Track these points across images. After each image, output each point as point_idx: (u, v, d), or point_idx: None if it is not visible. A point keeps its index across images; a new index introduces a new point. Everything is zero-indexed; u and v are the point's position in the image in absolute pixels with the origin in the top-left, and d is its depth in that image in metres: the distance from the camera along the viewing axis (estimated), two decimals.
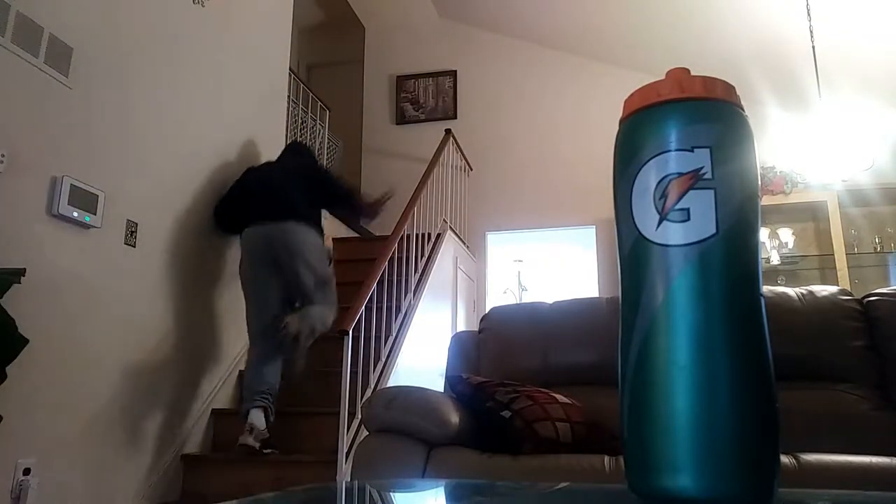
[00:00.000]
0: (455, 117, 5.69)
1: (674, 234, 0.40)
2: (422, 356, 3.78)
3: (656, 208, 0.41)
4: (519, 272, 6.48)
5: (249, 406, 2.84)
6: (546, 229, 5.39)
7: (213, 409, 3.28)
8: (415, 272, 3.88)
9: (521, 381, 1.80)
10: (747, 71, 4.23)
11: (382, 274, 3.33)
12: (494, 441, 1.65)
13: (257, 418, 2.81)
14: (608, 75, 5.28)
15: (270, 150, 4.09)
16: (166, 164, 3.05)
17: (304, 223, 3.07)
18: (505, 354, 2.04)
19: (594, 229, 5.18)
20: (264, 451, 2.83)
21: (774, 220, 4.65)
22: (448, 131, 4.77)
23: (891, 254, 4.48)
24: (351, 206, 3.40)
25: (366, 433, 1.71)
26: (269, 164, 3.42)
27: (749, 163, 0.42)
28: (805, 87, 3.78)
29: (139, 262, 2.82)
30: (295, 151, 3.48)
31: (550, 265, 6.31)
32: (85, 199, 2.50)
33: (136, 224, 2.81)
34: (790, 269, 4.63)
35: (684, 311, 0.39)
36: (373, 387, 3.07)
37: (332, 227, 4.90)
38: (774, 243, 4.59)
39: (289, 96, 4.46)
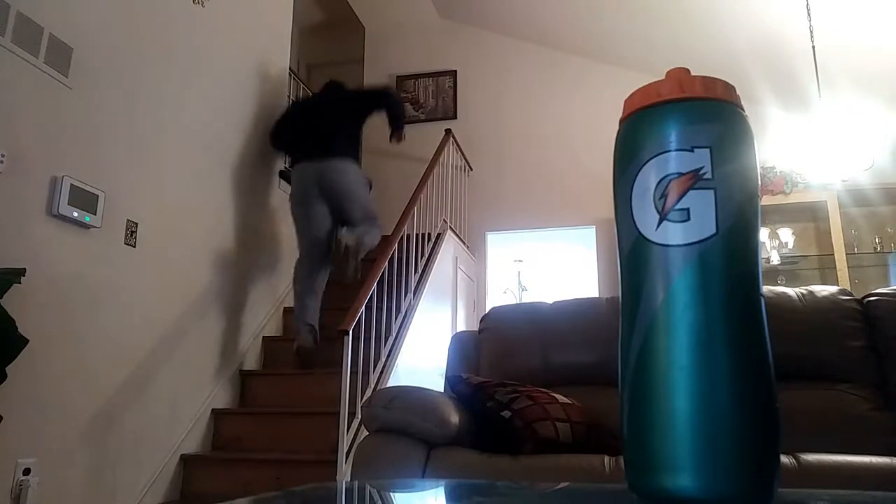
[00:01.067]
0: (455, 117, 5.69)
1: (674, 234, 0.40)
2: (422, 356, 3.78)
3: (656, 208, 0.41)
4: (519, 272, 6.48)
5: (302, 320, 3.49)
6: (546, 229, 5.39)
7: (212, 409, 3.28)
8: (415, 272, 3.88)
9: (521, 381, 1.80)
10: (747, 71, 4.23)
11: (382, 274, 3.34)
12: (494, 441, 1.64)
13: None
14: (608, 75, 5.28)
15: (271, 149, 4.10)
16: (166, 163, 3.05)
17: (346, 158, 3.61)
18: (505, 354, 2.04)
19: (594, 229, 5.17)
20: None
21: (774, 220, 4.65)
22: (448, 131, 4.77)
23: (891, 254, 4.48)
24: (388, 97, 3.89)
25: (366, 433, 1.71)
26: (310, 101, 3.94)
27: (749, 163, 0.42)
28: (805, 87, 3.78)
29: (139, 262, 2.82)
30: (332, 88, 3.91)
31: (550, 265, 6.31)
32: (85, 199, 2.50)
33: (136, 224, 2.81)
34: (790, 269, 4.63)
35: (684, 311, 0.39)
36: (373, 387, 3.07)
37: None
38: (774, 243, 4.59)
39: (289, 96, 4.46)
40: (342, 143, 3.64)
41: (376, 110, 3.86)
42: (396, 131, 3.90)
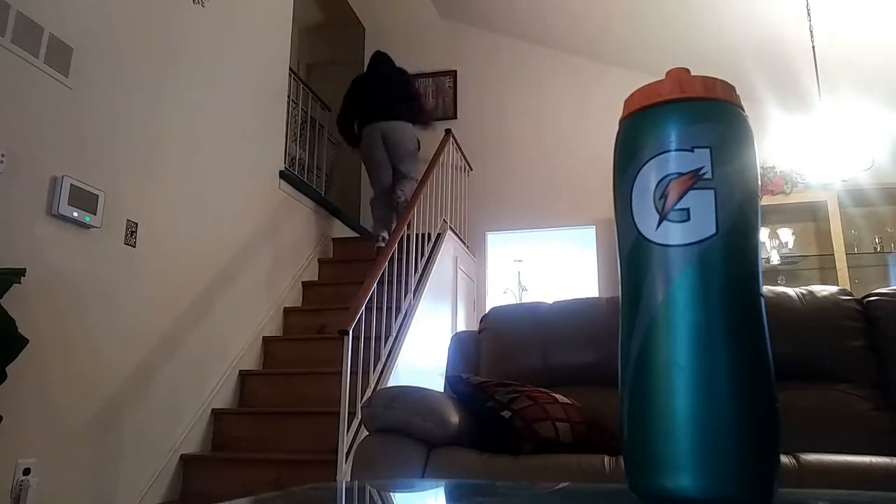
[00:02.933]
0: (455, 117, 5.68)
1: (674, 234, 0.40)
2: (422, 356, 3.78)
3: (656, 208, 0.41)
4: (519, 272, 6.47)
5: (379, 232, 4.44)
6: (546, 229, 5.38)
7: (212, 409, 3.28)
8: (415, 272, 3.88)
9: (521, 381, 1.80)
10: (747, 71, 4.22)
11: (382, 274, 3.33)
12: (494, 441, 1.64)
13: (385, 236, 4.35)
14: (608, 75, 5.27)
15: (271, 149, 4.10)
16: (166, 163, 3.05)
17: (404, 120, 4.43)
18: (505, 354, 2.04)
19: (594, 229, 5.17)
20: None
21: (774, 220, 4.64)
22: (448, 131, 4.77)
23: (891, 254, 4.48)
24: (420, 104, 4.69)
25: (366, 433, 1.71)
26: (369, 74, 4.70)
27: (749, 163, 0.42)
28: (805, 87, 3.78)
29: (139, 262, 2.82)
30: (380, 62, 4.69)
31: (550, 265, 6.31)
32: (85, 199, 2.50)
33: (136, 224, 2.81)
34: (790, 269, 4.63)
35: (684, 311, 0.39)
36: (373, 387, 3.07)
37: (337, 227, 4.91)
38: (774, 243, 4.58)
39: (289, 96, 4.47)
40: (400, 107, 4.43)
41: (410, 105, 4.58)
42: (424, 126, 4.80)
